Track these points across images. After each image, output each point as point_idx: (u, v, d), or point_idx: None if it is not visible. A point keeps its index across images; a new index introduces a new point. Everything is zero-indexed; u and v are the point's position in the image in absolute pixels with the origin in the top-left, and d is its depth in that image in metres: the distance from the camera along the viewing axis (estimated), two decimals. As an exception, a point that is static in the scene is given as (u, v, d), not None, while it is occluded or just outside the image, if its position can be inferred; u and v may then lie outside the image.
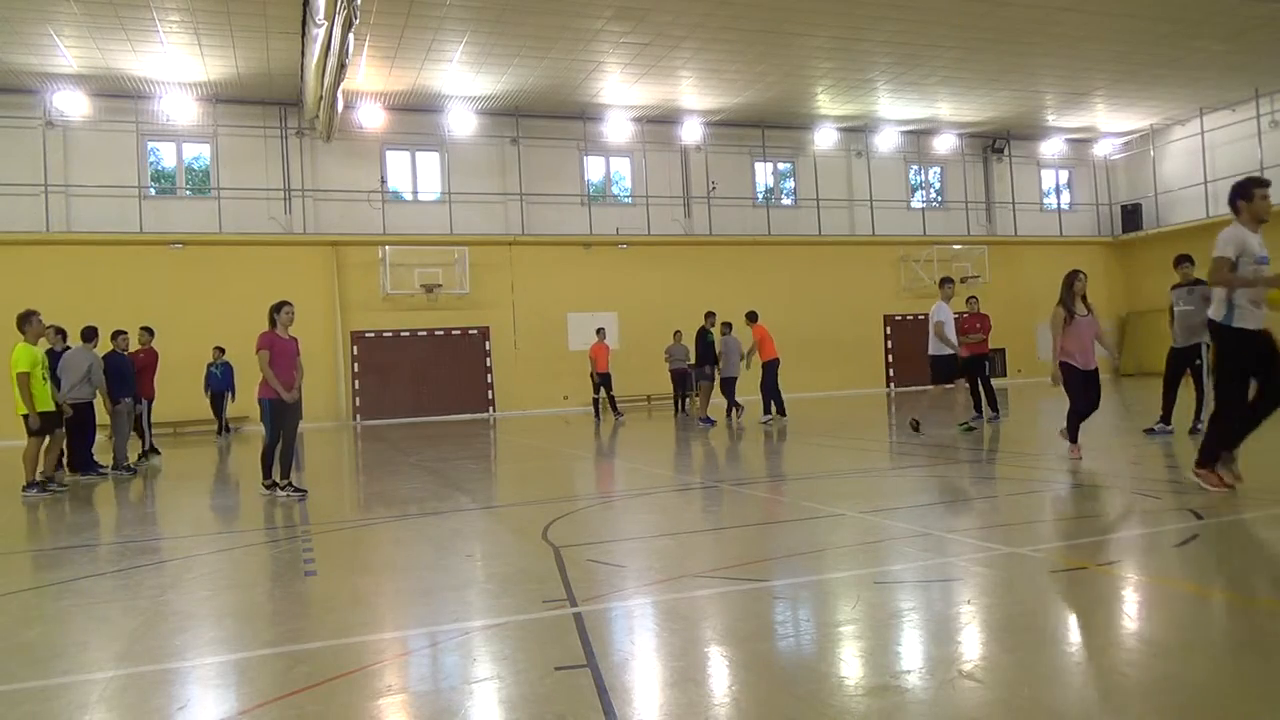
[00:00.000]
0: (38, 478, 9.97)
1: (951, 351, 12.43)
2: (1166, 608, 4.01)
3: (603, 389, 20.00)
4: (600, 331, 20.59)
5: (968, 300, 15.36)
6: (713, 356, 16.62)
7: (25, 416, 9.84)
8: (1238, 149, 26.80)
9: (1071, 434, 8.95)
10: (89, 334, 11.79)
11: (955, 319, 15.06)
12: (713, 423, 16.12)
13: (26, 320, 9.96)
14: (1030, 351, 29.13)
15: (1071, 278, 9.01)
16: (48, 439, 10.11)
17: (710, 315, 16.98)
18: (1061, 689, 3.08)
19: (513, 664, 3.54)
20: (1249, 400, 6.37)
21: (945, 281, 13.24)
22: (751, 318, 17.08)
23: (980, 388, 14.26)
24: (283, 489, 8.70)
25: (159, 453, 14.16)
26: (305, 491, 8.85)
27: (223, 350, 18.25)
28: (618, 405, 20.31)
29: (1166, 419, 10.73)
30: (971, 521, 6.24)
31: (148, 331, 14.05)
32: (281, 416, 8.71)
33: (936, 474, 8.77)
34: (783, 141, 27.19)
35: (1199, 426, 10.33)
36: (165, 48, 18.93)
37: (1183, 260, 10.74)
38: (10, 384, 9.85)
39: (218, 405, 18.31)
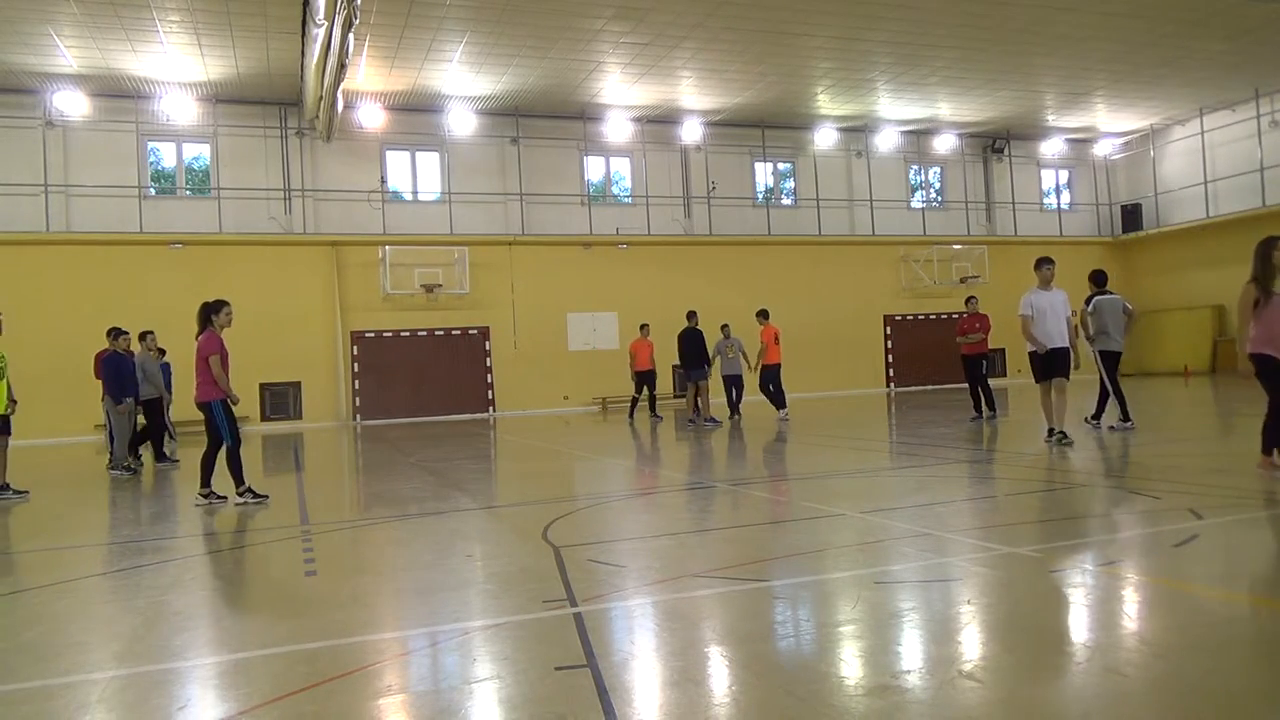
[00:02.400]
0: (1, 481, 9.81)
1: (1033, 349, 10.21)
2: (1166, 608, 4.01)
3: (645, 388, 18.80)
4: (644, 327, 19.07)
5: (967, 300, 15.31)
6: (706, 356, 16.41)
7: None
8: (1238, 149, 26.81)
9: (1267, 442, 7.06)
10: (142, 336, 13.22)
11: (959, 319, 14.87)
12: (717, 423, 16.06)
13: None
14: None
15: (1268, 247, 7.16)
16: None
17: (692, 314, 16.84)
18: (1061, 689, 3.08)
19: (513, 664, 3.54)
20: None
21: (1041, 263, 10.43)
22: (763, 316, 16.78)
23: (979, 388, 14.26)
24: (209, 495, 8.51)
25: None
26: (267, 496, 8.76)
27: (163, 351, 16.91)
28: (654, 406, 19.17)
29: (1126, 415, 11.43)
30: (971, 521, 6.24)
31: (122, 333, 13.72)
32: (234, 418, 8.53)
33: (936, 474, 8.77)
34: (783, 141, 27.19)
35: (1092, 421, 11.64)
36: (165, 48, 18.93)
37: (1093, 278, 12.14)
38: None
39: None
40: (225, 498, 8.57)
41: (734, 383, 16.99)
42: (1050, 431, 10.02)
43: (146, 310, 19.61)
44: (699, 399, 16.38)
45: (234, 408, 8.58)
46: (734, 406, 17.14)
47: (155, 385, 13.17)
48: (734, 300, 24.36)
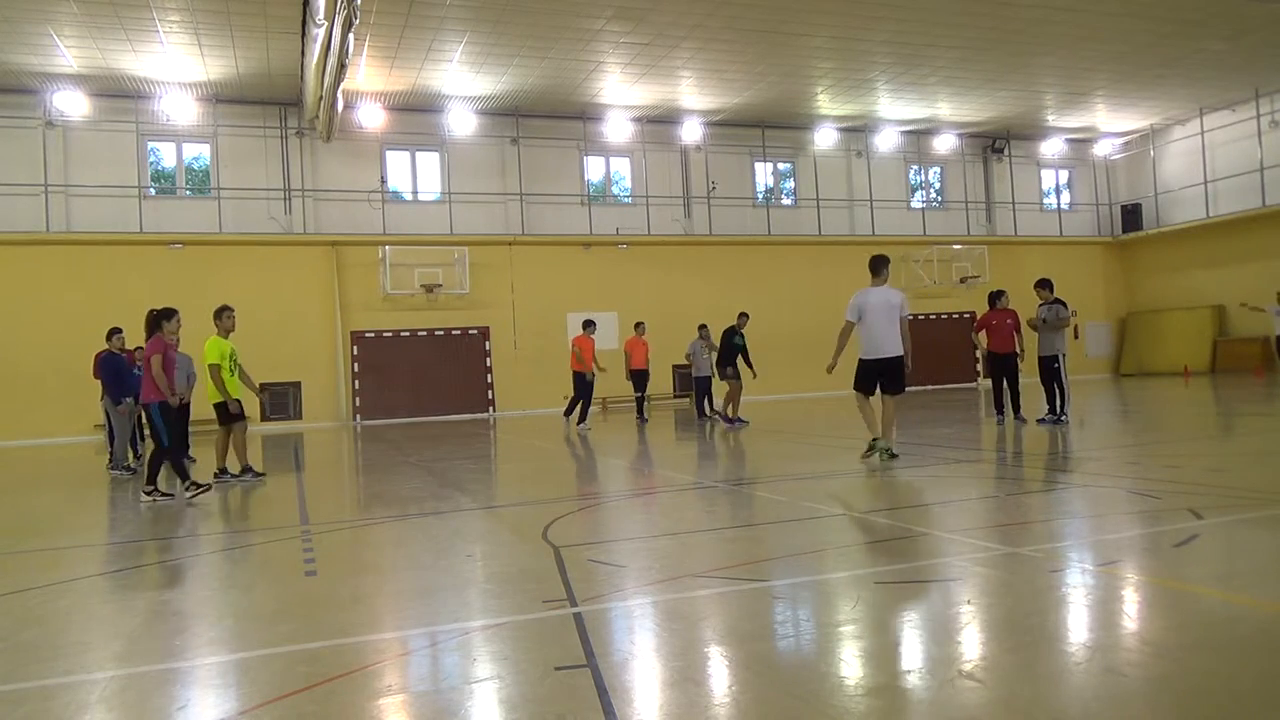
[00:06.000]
0: (242, 465, 10.42)
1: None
2: (1166, 608, 4.01)
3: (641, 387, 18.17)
4: (639, 326, 18.36)
5: (998, 295, 13.75)
6: (734, 357, 15.92)
7: (218, 406, 10.34)
8: (1238, 149, 26.82)
9: None
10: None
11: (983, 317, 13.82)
12: (743, 423, 15.54)
13: (219, 315, 10.43)
14: (1031, 351, 29.12)
15: None
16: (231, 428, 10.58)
17: (743, 316, 16.45)
18: (1061, 689, 3.08)
19: (513, 664, 3.54)
20: None
21: (875, 261, 9.69)
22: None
23: (1010, 388, 13.28)
24: (154, 493, 8.81)
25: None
26: (162, 495, 9.02)
27: (134, 352, 16.03)
28: (643, 408, 18.66)
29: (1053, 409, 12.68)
30: (971, 521, 6.24)
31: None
32: (175, 420, 8.99)
33: (936, 474, 8.77)
34: (783, 141, 27.19)
35: (1047, 418, 12.52)
36: (165, 48, 18.93)
37: (1043, 284, 13.17)
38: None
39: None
40: (208, 486, 9.07)
41: (706, 384, 17.09)
42: (873, 445, 9.15)
43: (146, 311, 19.60)
44: (729, 400, 16.12)
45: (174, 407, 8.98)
46: (709, 408, 17.18)
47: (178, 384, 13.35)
48: (734, 301, 24.34)
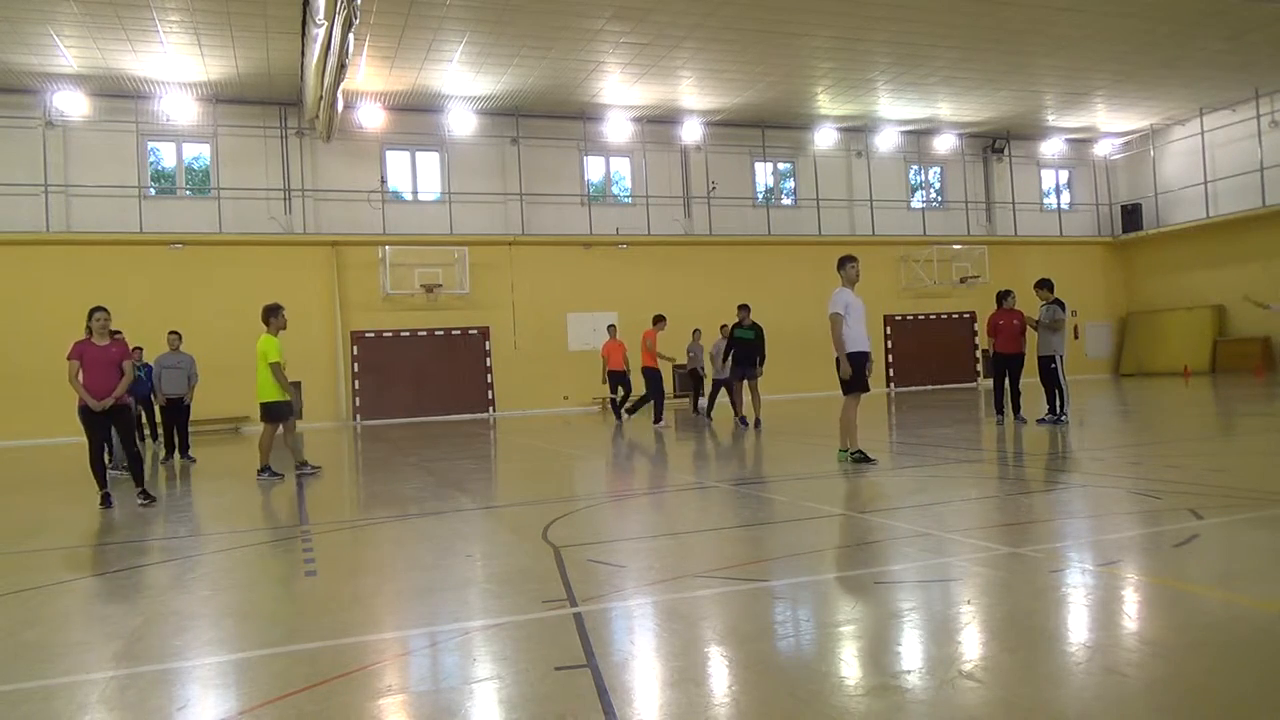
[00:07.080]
0: (263, 464, 10.48)
1: (849, 351, 9.59)
2: (1166, 608, 4.01)
3: (619, 388, 18.15)
4: (611, 328, 18.74)
5: (1005, 295, 13.73)
6: (740, 356, 15.32)
7: (265, 405, 10.44)
8: (1238, 149, 26.82)
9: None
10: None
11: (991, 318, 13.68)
12: (744, 425, 15.20)
13: (273, 313, 10.65)
14: (1030, 352, 29.11)
15: None
16: (280, 426, 10.70)
17: (742, 309, 15.72)
18: (1061, 689, 3.08)
19: (513, 664, 3.54)
20: None
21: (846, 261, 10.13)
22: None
23: (1011, 388, 13.30)
24: (138, 497, 8.77)
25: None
26: (154, 498, 8.95)
27: (140, 350, 14.64)
28: (627, 406, 18.40)
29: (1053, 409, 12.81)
30: (971, 521, 6.24)
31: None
32: (93, 425, 8.63)
33: (936, 474, 8.77)
34: (783, 141, 27.19)
35: (1047, 418, 12.66)
36: (165, 48, 18.93)
37: (1043, 284, 13.21)
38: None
39: (148, 412, 15.24)
40: (154, 498, 8.83)
41: (718, 384, 17.05)
42: (862, 454, 9.26)
43: (146, 311, 19.62)
44: (736, 398, 15.93)
45: (96, 411, 8.61)
46: (707, 410, 17.17)
47: (178, 384, 13.66)
48: (734, 301, 24.36)
